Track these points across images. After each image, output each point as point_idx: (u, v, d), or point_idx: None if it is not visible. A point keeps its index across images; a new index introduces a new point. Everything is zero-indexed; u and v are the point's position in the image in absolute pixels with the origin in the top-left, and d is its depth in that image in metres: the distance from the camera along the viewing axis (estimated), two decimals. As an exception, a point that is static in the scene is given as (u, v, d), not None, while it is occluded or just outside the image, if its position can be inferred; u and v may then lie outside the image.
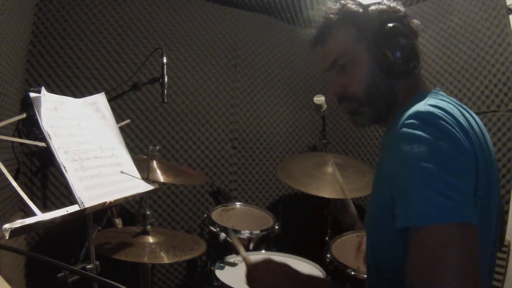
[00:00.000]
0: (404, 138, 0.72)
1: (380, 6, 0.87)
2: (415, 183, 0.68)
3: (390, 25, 0.84)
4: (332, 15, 0.91)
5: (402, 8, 0.89)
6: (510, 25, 1.90)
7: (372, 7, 0.87)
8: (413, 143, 0.70)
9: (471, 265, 0.63)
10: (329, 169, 2.13)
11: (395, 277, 0.80)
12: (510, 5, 1.91)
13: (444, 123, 0.71)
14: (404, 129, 0.73)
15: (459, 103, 0.84)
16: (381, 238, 0.85)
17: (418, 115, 0.73)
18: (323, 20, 0.93)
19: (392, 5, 0.88)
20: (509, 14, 1.91)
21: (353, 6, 0.88)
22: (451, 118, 0.72)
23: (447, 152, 0.68)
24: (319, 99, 2.34)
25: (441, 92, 0.88)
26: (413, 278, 0.66)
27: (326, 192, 1.95)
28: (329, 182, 2.05)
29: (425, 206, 0.65)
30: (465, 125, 0.74)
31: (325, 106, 2.37)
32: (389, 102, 0.90)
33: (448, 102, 0.80)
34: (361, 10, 0.88)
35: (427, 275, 0.63)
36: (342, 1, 0.91)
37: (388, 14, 0.86)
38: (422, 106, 0.76)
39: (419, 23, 0.91)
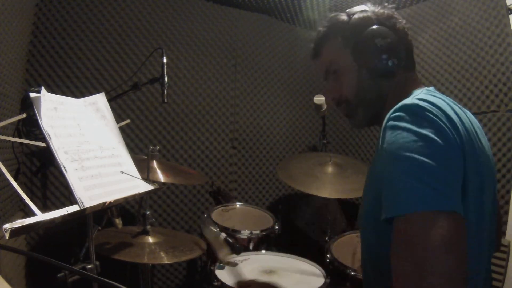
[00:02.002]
0: (388, 129, 0.74)
1: (363, 14, 0.94)
2: (397, 172, 0.68)
3: (368, 29, 0.90)
4: (322, 29, 1.00)
5: (387, 11, 0.94)
6: (510, 25, 1.90)
7: (356, 16, 0.94)
8: (396, 133, 0.71)
9: (458, 253, 0.61)
10: (329, 169, 2.13)
11: (389, 272, 0.80)
12: (510, 5, 1.90)
13: (428, 113, 0.71)
14: (390, 122, 0.74)
15: (454, 101, 0.84)
16: (372, 234, 0.85)
17: (403, 107, 0.74)
18: (316, 34, 1.01)
19: (376, 10, 0.94)
20: (509, 14, 1.90)
21: (340, 17, 0.97)
22: (438, 110, 0.73)
23: (430, 140, 0.68)
24: (319, 99, 2.34)
25: (435, 91, 0.88)
26: (398, 268, 0.64)
27: (326, 192, 1.95)
28: (329, 182, 2.04)
29: (407, 195, 0.65)
30: (454, 119, 0.74)
31: (325, 106, 2.37)
32: (380, 102, 0.94)
33: (439, 98, 0.80)
34: (346, 19, 0.95)
35: (413, 264, 0.61)
36: (333, 14, 0.99)
37: (369, 19, 0.92)
38: (409, 99, 0.78)
39: (403, 22, 0.95)
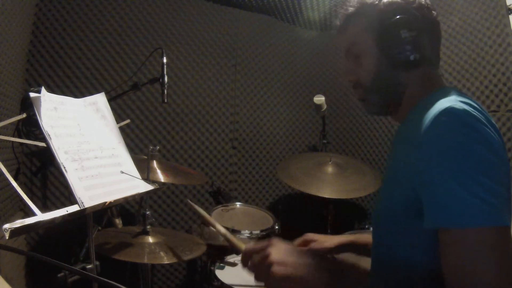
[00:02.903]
0: (438, 136, 0.70)
1: None
2: (450, 184, 0.66)
3: (395, 17, 0.86)
4: (350, 7, 0.95)
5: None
6: (510, 25, 1.90)
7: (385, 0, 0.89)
8: (448, 143, 0.69)
9: (508, 268, 0.63)
10: (329, 169, 2.13)
11: (402, 275, 0.80)
12: (510, 5, 1.90)
13: (479, 123, 0.69)
14: (438, 127, 0.71)
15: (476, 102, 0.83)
16: (394, 235, 0.83)
17: (451, 112, 0.70)
18: (342, 11, 0.97)
19: None
20: (509, 14, 1.90)
21: None
22: (483, 117, 0.71)
23: (483, 154, 0.67)
24: (319, 99, 2.34)
25: (459, 90, 0.86)
26: (450, 281, 0.66)
27: (326, 192, 1.95)
28: (329, 182, 2.04)
29: (462, 208, 0.65)
30: (495, 123, 0.73)
31: (325, 106, 2.37)
32: (396, 92, 0.91)
33: (475, 102, 0.78)
34: (375, 2, 0.90)
35: (464, 278, 0.64)
36: None
37: (399, 6, 0.87)
38: (453, 101, 0.73)
39: (435, 14, 0.90)
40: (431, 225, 0.69)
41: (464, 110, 0.70)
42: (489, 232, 0.64)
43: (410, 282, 0.78)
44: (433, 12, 0.90)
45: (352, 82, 0.97)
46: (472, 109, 0.71)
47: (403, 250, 0.80)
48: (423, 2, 0.89)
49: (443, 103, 0.73)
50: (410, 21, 0.85)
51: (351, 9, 0.94)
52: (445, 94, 0.80)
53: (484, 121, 0.70)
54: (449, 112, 0.70)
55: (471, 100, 0.77)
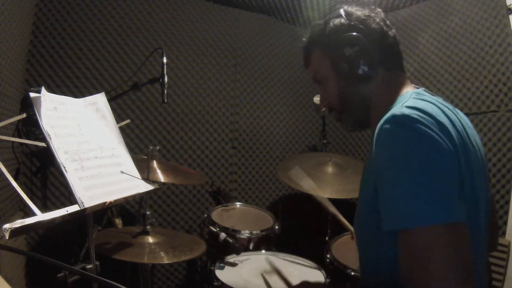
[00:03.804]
0: (381, 143, 0.74)
1: (337, 20, 0.93)
2: (394, 188, 0.69)
3: (336, 38, 0.92)
4: (305, 39, 1.03)
5: (361, 12, 0.93)
6: (510, 25, 1.90)
7: (330, 23, 0.95)
8: (389, 148, 0.72)
9: (460, 265, 0.64)
10: (329, 169, 2.13)
11: (385, 274, 0.81)
12: (510, 5, 1.91)
13: (419, 125, 0.71)
14: (381, 135, 0.74)
15: (443, 102, 0.84)
16: (368, 238, 0.86)
17: (393, 119, 0.73)
18: (302, 45, 1.04)
19: (352, 12, 0.94)
20: (509, 14, 1.91)
21: (318, 27, 0.99)
22: (428, 118, 0.72)
23: (422, 155, 0.68)
24: (319, 99, 2.34)
25: (425, 92, 0.88)
26: (404, 281, 0.68)
27: (326, 192, 1.95)
28: (329, 182, 2.04)
29: (405, 209, 0.67)
30: (445, 123, 0.74)
31: (325, 106, 2.37)
32: (363, 106, 0.96)
33: (429, 102, 0.79)
34: (323, 28, 0.96)
35: (417, 277, 0.65)
36: (313, 22, 1.02)
37: (341, 26, 0.92)
38: (398, 109, 0.76)
39: (381, 19, 0.93)
40: (386, 228, 0.71)
41: (404, 115, 0.73)
42: (435, 231, 0.65)
43: (392, 282, 0.78)
44: (377, 19, 0.92)
45: (327, 107, 1.03)
46: (415, 112, 0.73)
47: (379, 252, 0.82)
48: (364, 14, 0.93)
49: (391, 112, 0.76)
50: (351, 38, 0.90)
51: (306, 41, 1.02)
52: (403, 100, 0.83)
53: (427, 123, 0.71)
54: (390, 119, 0.74)
55: (425, 101, 0.79)
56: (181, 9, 2.44)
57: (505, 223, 1.86)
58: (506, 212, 1.86)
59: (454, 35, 2.17)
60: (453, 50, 2.18)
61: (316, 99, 2.35)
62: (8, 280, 1.17)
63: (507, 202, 1.87)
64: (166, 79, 1.68)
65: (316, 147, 2.96)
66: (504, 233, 1.87)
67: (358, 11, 0.93)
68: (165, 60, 1.70)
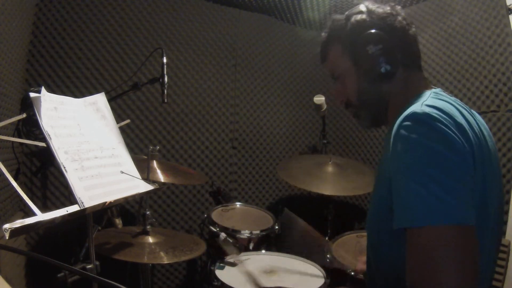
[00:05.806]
0: (400, 140, 0.74)
1: (359, 16, 0.93)
2: (409, 185, 0.68)
3: (362, 34, 0.91)
4: (324, 34, 1.03)
5: (383, 10, 0.93)
6: (510, 25, 1.90)
7: (352, 19, 0.94)
8: (408, 145, 0.71)
9: (468, 266, 0.63)
10: (329, 169, 2.13)
11: (395, 275, 0.80)
12: (510, 5, 1.90)
13: (439, 124, 0.71)
14: (401, 131, 0.74)
15: (460, 103, 0.84)
16: (380, 237, 0.85)
17: (413, 116, 0.74)
18: (321, 39, 1.05)
19: (373, 9, 0.93)
20: (509, 14, 1.90)
21: (339, 22, 0.99)
22: (447, 118, 0.72)
23: (441, 153, 0.68)
24: (319, 99, 2.34)
25: (443, 92, 0.88)
26: (410, 280, 0.67)
27: (327, 189, 1.95)
28: (329, 180, 2.05)
29: (419, 208, 0.66)
30: (463, 124, 0.74)
31: (325, 106, 2.37)
32: (382, 104, 0.96)
33: (447, 102, 0.80)
34: (343, 23, 0.96)
35: (424, 277, 0.64)
36: (332, 17, 1.02)
37: (364, 22, 0.92)
38: (418, 106, 0.76)
39: (402, 18, 0.93)
40: (396, 225, 0.70)
41: (424, 113, 0.73)
42: (447, 231, 0.64)
43: (400, 281, 0.78)
44: (399, 17, 0.92)
45: (343, 103, 1.03)
46: (434, 111, 0.73)
47: (390, 250, 0.82)
48: (388, 11, 0.92)
49: (410, 109, 0.76)
50: (374, 36, 0.90)
51: (325, 36, 1.02)
52: (419, 99, 0.83)
53: (446, 123, 0.71)
54: (410, 116, 0.74)
55: (444, 101, 0.79)
56: (181, 9, 2.44)
57: (505, 223, 1.86)
58: (506, 212, 1.86)
59: (454, 35, 2.16)
60: (453, 50, 2.17)
61: (316, 99, 2.35)
62: (8, 280, 1.17)
63: (507, 202, 1.87)
64: (166, 79, 1.68)
65: (316, 147, 2.96)
66: (504, 233, 1.86)
67: (379, 8, 0.93)
68: (165, 60, 1.70)
